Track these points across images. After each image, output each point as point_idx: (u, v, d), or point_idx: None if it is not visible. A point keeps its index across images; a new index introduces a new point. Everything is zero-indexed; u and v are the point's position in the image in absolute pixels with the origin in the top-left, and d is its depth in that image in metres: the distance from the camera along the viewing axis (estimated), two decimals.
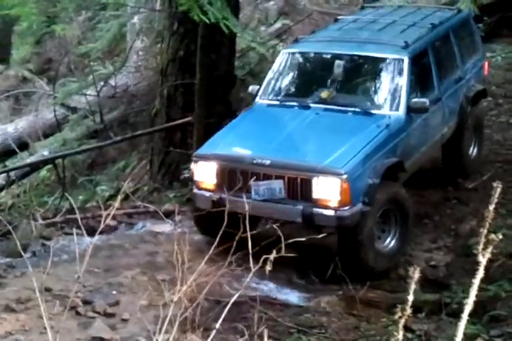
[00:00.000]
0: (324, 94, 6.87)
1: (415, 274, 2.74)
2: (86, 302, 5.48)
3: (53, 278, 5.57)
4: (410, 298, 2.69)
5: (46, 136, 10.01)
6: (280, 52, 7.50)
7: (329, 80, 7.06)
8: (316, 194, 6.06)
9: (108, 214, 4.16)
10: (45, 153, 9.38)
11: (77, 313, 5.34)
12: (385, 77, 7.01)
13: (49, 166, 9.58)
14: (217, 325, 3.87)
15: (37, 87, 11.76)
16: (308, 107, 6.85)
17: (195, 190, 6.49)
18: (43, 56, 13.30)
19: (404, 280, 6.10)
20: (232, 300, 3.91)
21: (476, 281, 2.63)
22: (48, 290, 5.40)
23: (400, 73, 6.90)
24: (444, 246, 7.01)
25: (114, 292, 5.75)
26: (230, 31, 7.41)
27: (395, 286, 6.21)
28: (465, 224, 7.23)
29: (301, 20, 12.94)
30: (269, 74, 7.34)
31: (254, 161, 6.20)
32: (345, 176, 5.99)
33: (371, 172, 6.20)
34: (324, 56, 7.35)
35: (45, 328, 3.33)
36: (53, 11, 13.28)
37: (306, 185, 6.06)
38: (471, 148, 8.20)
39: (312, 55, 7.46)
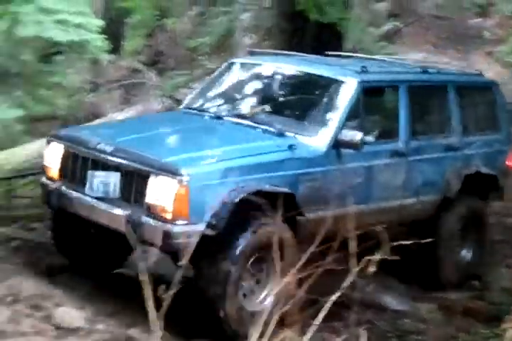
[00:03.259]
0: (248, 110, 5.74)
1: None
2: None
3: None
4: None
5: None
6: (225, 62, 6.50)
7: (262, 96, 5.90)
8: (149, 197, 4.69)
9: None
10: None
11: None
12: (325, 101, 5.67)
13: None
14: (317, 322, 3.87)
15: (146, 78, 12.02)
16: (220, 118, 5.70)
17: (43, 179, 5.40)
18: (154, 48, 13.60)
19: (508, 292, 5.93)
20: (333, 298, 3.89)
21: None
22: None
23: (342, 98, 5.55)
24: None
25: None
26: (342, 31, 7.41)
27: (496, 297, 6.05)
28: None
29: (411, 22, 12.78)
30: (203, 84, 6.46)
31: (98, 146, 5.02)
32: (186, 179, 4.59)
33: (234, 190, 4.73)
34: (267, 70, 6.11)
35: None
36: (165, 5, 13.56)
37: (142, 184, 4.74)
38: (462, 252, 6.36)
39: (255, 67, 6.22)
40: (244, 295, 4.92)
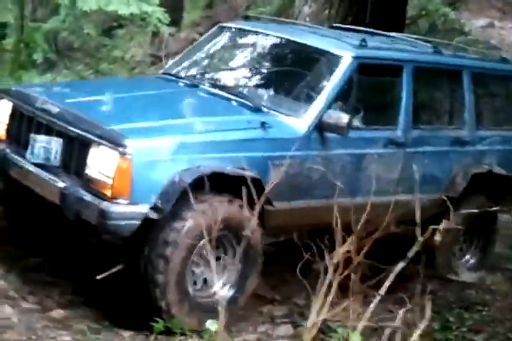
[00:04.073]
0: (228, 79, 5.25)
1: None
2: None
3: None
4: None
5: None
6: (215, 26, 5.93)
7: (247, 66, 5.36)
8: (89, 169, 4.19)
9: None
10: None
11: None
12: (313, 76, 5.03)
13: None
14: (381, 292, 3.87)
15: None
16: (195, 86, 5.11)
17: None
18: (213, 20, 13.59)
19: None
20: (398, 269, 3.88)
21: None
22: None
23: (333, 74, 4.89)
24: None
25: None
26: None
27: None
28: None
29: None
30: (188, 49, 5.85)
31: (44, 106, 4.52)
32: (130, 151, 4.02)
33: (187, 170, 4.16)
34: (255, 37, 5.48)
35: None
36: None
37: (83, 153, 4.23)
38: (465, 257, 5.86)
39: (244, 34, 5.59)
40: (195, 283, 4.38)
